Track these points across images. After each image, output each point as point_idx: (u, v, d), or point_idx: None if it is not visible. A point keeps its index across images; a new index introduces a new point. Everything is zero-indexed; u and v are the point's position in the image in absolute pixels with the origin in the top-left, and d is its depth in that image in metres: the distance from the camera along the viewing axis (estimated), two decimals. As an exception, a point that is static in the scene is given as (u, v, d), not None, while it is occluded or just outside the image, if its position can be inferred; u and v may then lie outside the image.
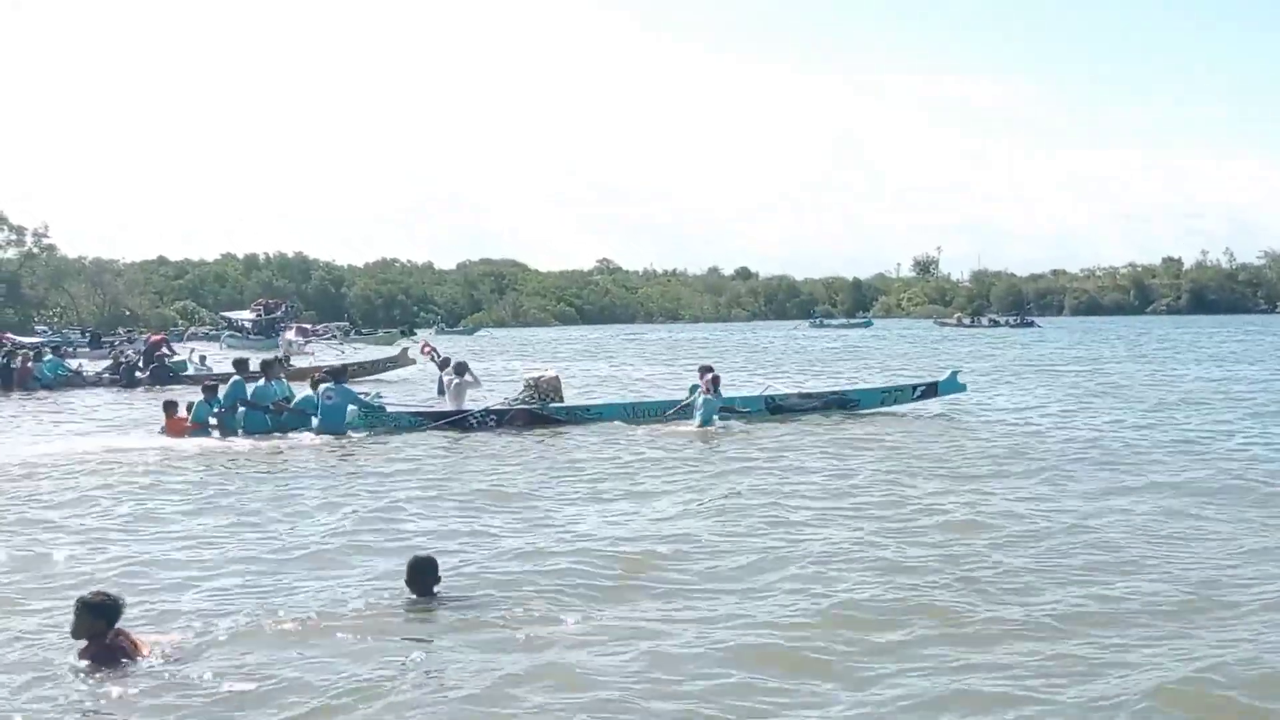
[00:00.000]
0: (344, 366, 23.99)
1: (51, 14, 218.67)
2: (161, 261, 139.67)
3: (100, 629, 7.19)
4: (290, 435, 18.73)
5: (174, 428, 19.00)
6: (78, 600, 7.38)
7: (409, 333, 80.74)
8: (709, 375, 19.70)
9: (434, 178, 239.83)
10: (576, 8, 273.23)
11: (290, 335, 60.21)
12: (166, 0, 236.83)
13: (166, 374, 33.59)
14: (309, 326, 67.91)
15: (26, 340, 54.89)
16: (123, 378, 33.64)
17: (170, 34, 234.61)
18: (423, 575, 8.47)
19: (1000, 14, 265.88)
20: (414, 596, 8.48)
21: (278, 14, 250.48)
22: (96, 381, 34.29)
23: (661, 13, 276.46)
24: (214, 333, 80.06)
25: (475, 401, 20.85)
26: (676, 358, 48.90)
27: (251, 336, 66.05)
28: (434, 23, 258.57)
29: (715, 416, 19.14)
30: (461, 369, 21.23)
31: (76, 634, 7.24)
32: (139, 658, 7.25)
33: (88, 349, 54.49)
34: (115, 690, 6.91)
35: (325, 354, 41.51)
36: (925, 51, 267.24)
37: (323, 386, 19.30)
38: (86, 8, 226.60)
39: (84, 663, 7.14)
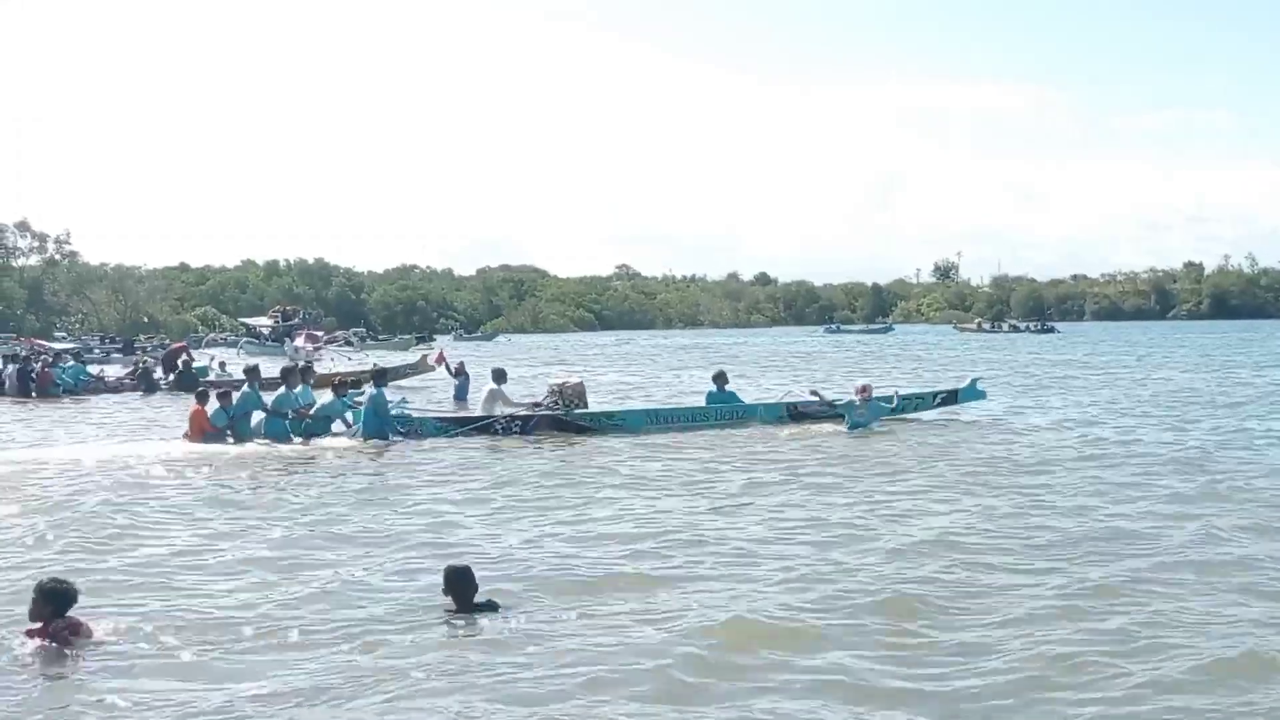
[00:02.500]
0: (385, 369, 23.83)
1: (74, 22, 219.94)
2: (183, 268, 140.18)
3: (49, 613, 7.59)
4: (311, 441, 18.61)
5: (198, 418, 18.95)
6: (35, 585, 7.82)
7: (427, 339, 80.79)
8: (862, 384, 19.98)
9: (454, 185, 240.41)
10: (589, 24, 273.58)
11: (298, 342, 60.28)
12: (189, 8, 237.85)
13: (193, 380, 33.51)
14: (319, 333, 67.86)
15: (58, 346, 55.00)
16: (140, 384, 33.61)
17: (193, 42, 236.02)
18: (459, 584, 8.33)
19: (1017, 22, 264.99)
20: (452, 606, 8.33)
21: (300, 23, 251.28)
22: (118, 387, 34.34)
23: (674, 32, 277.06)
24: (232, 339, 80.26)
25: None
26: (690, 364, 48.72)
27: (268, 343, 66.26)
28: (454, 34, 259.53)
29: (874, 423, 19.26)
30: (499, 376, 21.09)
31: (31, 616, 7.66)
32: (82, 645, 7.57)
33: (121, 355, 54.60)
34: (56, 671, 7.31)
35: (335, 361, 41.31)
36: (940, 59, 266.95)
37: (368, 391, 19.26)
38: (111, 17, 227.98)
39: (27, 644, 7.58)
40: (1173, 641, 7.61)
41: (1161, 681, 6.89)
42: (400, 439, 18.78)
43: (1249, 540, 10.60)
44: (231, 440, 18.61)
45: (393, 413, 19.30)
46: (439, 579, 8.57)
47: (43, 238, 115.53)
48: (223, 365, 38.97)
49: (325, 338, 68.54)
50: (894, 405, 20.09)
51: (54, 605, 7.61)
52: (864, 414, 19.18)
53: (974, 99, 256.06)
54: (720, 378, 21.61)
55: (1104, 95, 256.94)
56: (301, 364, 23.27)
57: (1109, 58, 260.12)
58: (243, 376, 21.71)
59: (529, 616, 8.31)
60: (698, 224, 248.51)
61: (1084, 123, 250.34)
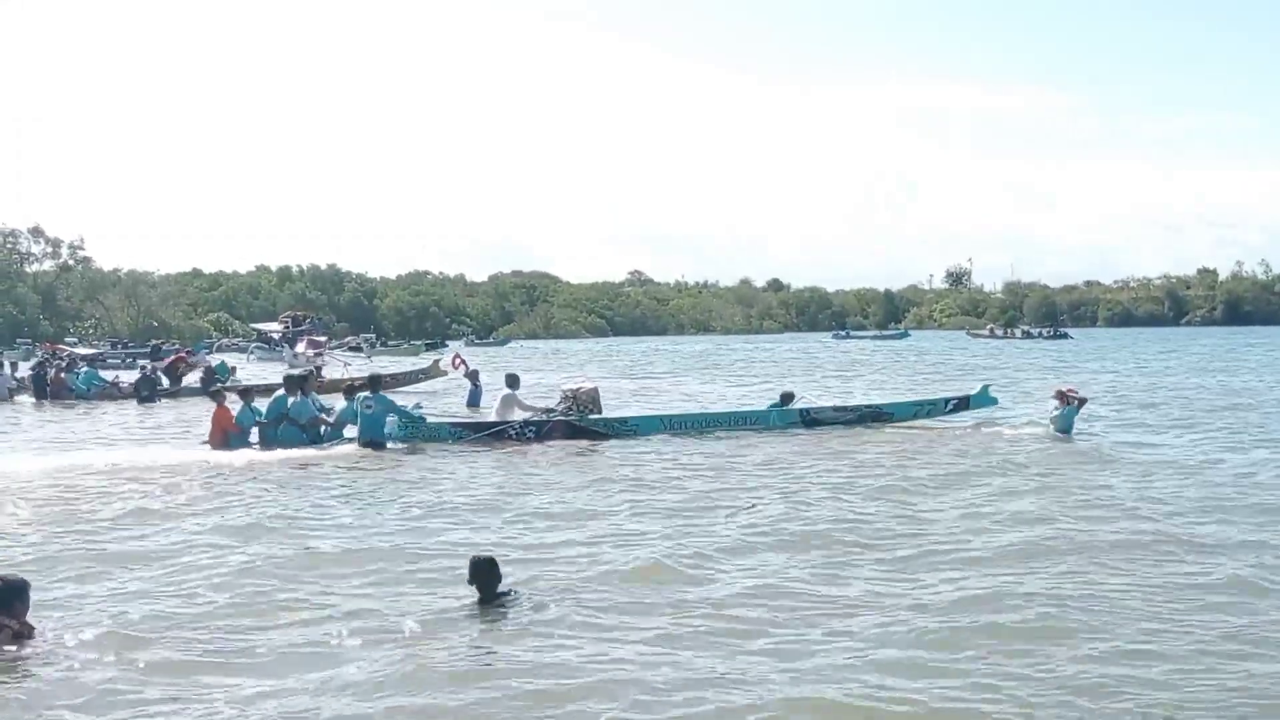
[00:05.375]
0: (380, 375, 23.82)
1: (86, 26, 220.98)
2: (196, 273, 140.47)
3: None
4: (326, 447, 18.56)
5: (222, 419, 18.91)
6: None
7: (439, 345, 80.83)
8: (1065, 389, 19.96)
9: (465, 189, 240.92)
10: (605, 31, 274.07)
11: (299, 348, 60.36)
12: (206, 15, 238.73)
13: (214, 384, 33.35)
14: (321, 339, 67.87)
15: (83, 352, 54.96)
16: (140, 391, 33.41)
17: (206, 47, 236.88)
18: (484, 574, 8.55)
19: (1033, 25, 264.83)
20: (476, 597, 8.53)
21: (310, 29, 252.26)
22: (132, 392, 34.28)
23: (673, 32, 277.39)
24: (242, 344, 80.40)
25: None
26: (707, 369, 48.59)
27: (278, 348, 66.41)
28: (468, 43, 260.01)
29: (1073, 427, 19.21)
30: (513, 381, 21.09)
31: None
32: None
33: (148, 361, 54.61)
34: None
35: (348, 366, 41.27)
36: (954, 63, 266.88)
37: (361, 396, 19.14)
38: (124, 21, 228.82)
39: None
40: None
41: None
42: (402, 445, 18.72)
43: None
44: (257, 445, 18.59)
45: (404, 420, 19.26)
46: (455, 578, 8.78)
47: (56, 243, 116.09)
48: (232, 370, 38.83)
49: (329, 343, 68.60)
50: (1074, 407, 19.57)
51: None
52: (1060, 419, 19.14)
53: (976, 100, 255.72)
54: (787, 398, 21.49)
55: (1107, 97, 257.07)
56: (301, 370, 23.21)
57: (1111, 59, 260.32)
58: (249, 381, 21.51)
59: (550, 609, 8.48)
60: (702, 226, 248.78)
61: (1104, 126, 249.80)
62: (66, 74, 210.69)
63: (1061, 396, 19.45)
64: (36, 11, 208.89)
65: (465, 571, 8.71)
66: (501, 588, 8.61)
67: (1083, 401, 19.63)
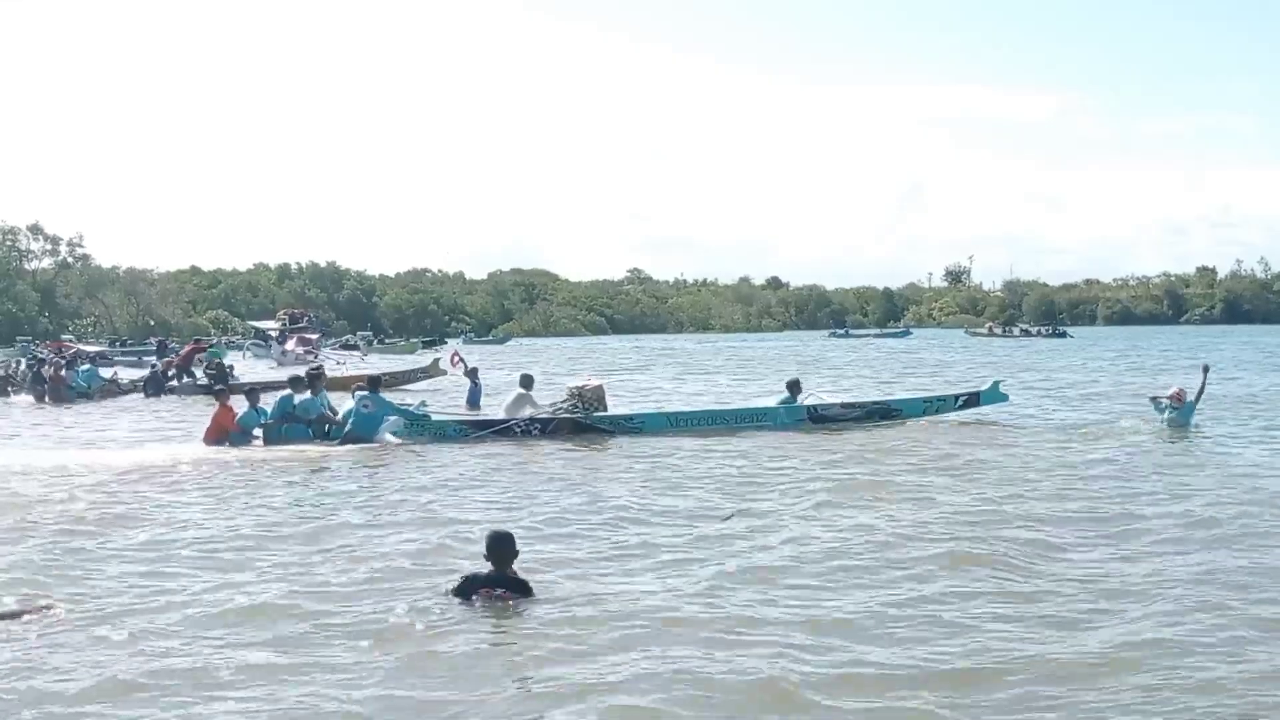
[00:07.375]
0: (378, 376, 23.75)
1: (90, 26, 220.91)
2: (195, 271, 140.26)
3: None
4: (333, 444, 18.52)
5: (224, 417, 18.86)
6: None
7: (437, 342, 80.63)
8: (1174, 390, 20.24)
9: (466, 188, 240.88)
10: (607, 30, 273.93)
11: (290, 345, 60.25)
12: (206, 12, 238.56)
13: (225, 380, 33.16)
14: (312, 336, 67.75)
15: (89, 349, 54.90)
16: (147, 388, 33.34)
17: (206, 45, 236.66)
18: (500, 548, 8.60)
19: (1034, 27, 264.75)
20: (489, 570, 8.56)
21: (314, 26, 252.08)
22: (132, 389, 34.25)
23: (684, 33, 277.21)
24: (239, 341, 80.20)
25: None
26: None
27: (274, 345, 66.37)
28: (465, 40, 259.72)
29: (1192, 420, 19.73)
30: (528, 381, 21.03)
31: None
32: None
33: (155, 358, 54.47)
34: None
35: (342, 365, 41.27)
36: (958, 63, 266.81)
37: (359, 394, 19.12)
38: (124, 19, 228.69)
39: None
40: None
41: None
42: (396, 442, 18.68)
43: None
44: (259, 443, 18.55)
45: (410, 419, 19.29)
46: (455, 576, 8.78)
47: (55, 240, 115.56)
48: (230, 368, 38.58)
49: (321, 341, 68.44)
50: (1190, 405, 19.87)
51: None
52: (1177, 417, 19.54)
53: (996, 104, 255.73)
54: (794, 385, 21.66)
55: (1108, 98, 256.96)
56: (313, 369, 23.19)
57: (1112, 60, 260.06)
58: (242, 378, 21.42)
59: (552, 607, 8.43)
60: (703, 225, 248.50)
61: (1106, 126, 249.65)
62: (65, 72, 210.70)
63: (1176, 397, 19.80)
64: (36, 10, 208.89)
65: (465, 570, 8.75)
66: (516, 564, 8.62)
67: (1199, 397, 19.95)
